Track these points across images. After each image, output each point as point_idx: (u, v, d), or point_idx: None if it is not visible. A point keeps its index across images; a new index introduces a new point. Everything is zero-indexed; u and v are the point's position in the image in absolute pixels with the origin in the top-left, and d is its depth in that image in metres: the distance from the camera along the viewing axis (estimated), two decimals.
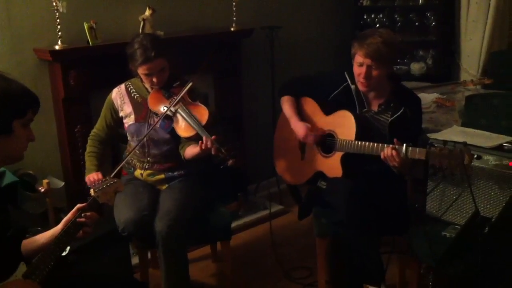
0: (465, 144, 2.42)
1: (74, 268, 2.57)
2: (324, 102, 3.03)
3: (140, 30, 3.58)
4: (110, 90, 3.11)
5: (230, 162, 2.70)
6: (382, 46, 2.73)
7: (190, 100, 2.98)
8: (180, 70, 3.13)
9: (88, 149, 3.13)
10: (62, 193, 3.46)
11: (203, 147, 2.72)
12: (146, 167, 3.07)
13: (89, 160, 3.10)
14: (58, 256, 2.02)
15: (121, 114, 3.07)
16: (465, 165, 2.41)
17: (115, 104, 3.07)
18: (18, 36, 3.30)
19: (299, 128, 3.00)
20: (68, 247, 2.12)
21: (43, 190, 3.13)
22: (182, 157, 2.98)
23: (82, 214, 2.11)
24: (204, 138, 2.73)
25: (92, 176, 2.99)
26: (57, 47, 3.28)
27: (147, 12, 3.61)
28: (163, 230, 2.78)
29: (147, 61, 2.84)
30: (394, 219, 2.90)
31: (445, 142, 2.48)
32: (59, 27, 3.26)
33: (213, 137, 2.71)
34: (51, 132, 3.53)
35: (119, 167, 2.75)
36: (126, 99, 3.05)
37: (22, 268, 1.96)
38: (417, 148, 2.55)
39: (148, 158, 3.05)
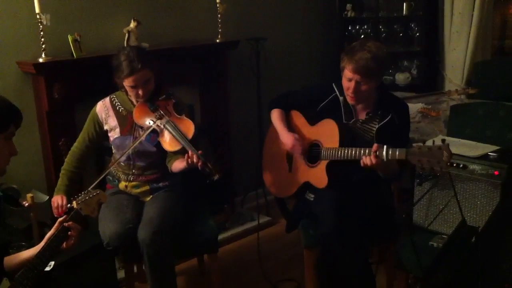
0: (443, 141, 2.42)
1: (59, 283, 2.54)
2: (311, 113, 3.03)
3: (125, 42, 3.57)
4: (94, 102, 3.08)
5: (216, 177, 2.68)
6: (371, 62, 2.71)
7: (175, 114, 2.96)
8: (166, 82, 3.12)
9: (64, 165, 3.08)
10: (46, 207, 3.42)
11: (189, 162, 2.71)
12: (131, 179, 3.04)
13: (61, 178, 3.06)
14: (42, 270, 2.00)
15: (105, 127, 3.04)
16: (445, 161, 2.40)
17: (100, 117, 3.04)
18: (1, 48, 3.28)
19: (286, 138, 3.01)
20: (53, 262, 2.10)
21: (27, 204, 3.09)
22: (169, 170, 2.97)
23: (65, 224, 2.09)
24: (190, 152, 2.72)
25: (57, 200, 2.96)
26: (41, 60, 3.25)
27: (132, 24, 3.60)
28: (146, 238, 2.75)
29: (133, 73, 2.82)
30: (381, 228, 2.90)
31: (424, 141, 2.48)
32: (43, 39, 3.24)
33: (199, 151, 2.70)
34: (35, 146, 3.49)
35: (99, 179, 2.72)
36: (111, 113, 3.03)
37: (5, 283, 1.93)
38: (397, 149, 2.55)
39: (133, 170, 3.03)
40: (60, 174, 3.07)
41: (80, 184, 3.12)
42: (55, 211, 2.95)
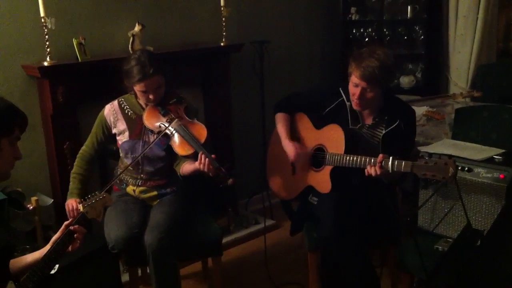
0: (450, 156, 2.42)
1: (63, 286, 2.54)
2: (317, 117, 3.03)
3: (130, 46, 3.58)
4: (99, 105, 3.08)
5: (230, 181, 2.68)
6: (378, 70, 2.70)
7: (187, 118, 2.95)
8: (172, 85, 3.12)
9: (74, 168, 3.06)
10: (50, 210, 3.43)
11: (202, 167, 2.68)
12: (139, 183, 3.04)
13: (73, 182, 3.03)
14: (47, 274, 2.00)
15: (114, 131, 3.02)
16: (450, 177, 2.40)
17: (108, 121, 3.02)
18: (6, 52, 3.29)
19: (288, 149, 3.02)
20: (57, 265, 2.10)
21: (31, 207, 3.10)
22: (178, 174, 2.95)
23: (71, 227, 2.10)
24: (203, 157, 2.69)
25: (71, 203, 2.92)
26: (45, 64, 3.26)
27: (137, 28, 3.60)
28: (153, 243, 2.75)
29: (144, 78, 2.80)
30: (382, 231, 2.89)
31: (430, 154, 2.48)
32: (47, 43, 3.25)
33: (213, 156, 2.68)
34: (40, 149, 3.50)
35: (109, 185, 2.70)
36: (120, 116, 3.01)
37: (10, 286, 1.93)
38: (403, 161, 2.54)
39: (142, 175, 3.02)
40: (71, 178, 3.05)
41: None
42: (70, 214, 2.91)
